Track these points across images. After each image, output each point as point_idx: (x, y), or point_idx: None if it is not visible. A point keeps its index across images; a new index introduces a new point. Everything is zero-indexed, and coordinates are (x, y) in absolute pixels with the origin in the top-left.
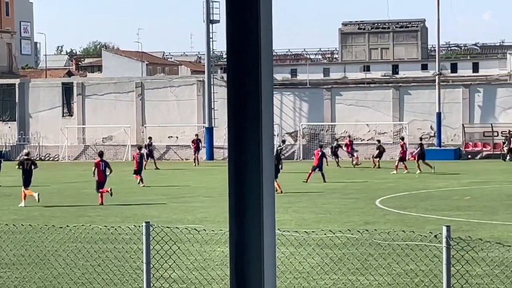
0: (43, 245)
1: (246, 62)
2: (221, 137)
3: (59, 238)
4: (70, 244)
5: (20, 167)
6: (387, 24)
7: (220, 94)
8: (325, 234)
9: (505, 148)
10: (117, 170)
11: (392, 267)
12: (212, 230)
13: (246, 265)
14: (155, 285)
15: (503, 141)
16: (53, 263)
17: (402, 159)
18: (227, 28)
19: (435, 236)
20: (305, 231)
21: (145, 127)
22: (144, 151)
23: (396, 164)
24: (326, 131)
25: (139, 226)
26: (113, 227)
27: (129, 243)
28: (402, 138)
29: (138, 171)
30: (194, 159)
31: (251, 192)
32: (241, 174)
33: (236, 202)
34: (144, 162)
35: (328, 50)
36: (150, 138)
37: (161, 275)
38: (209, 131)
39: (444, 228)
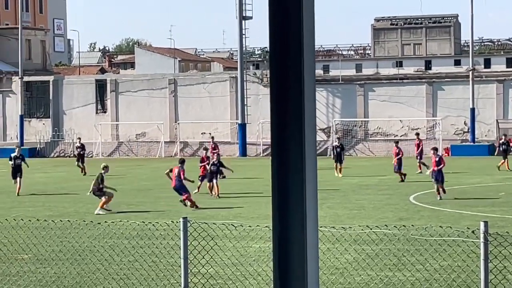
0: (81, 241)
1: (288, 58)
2: (253, 134)
3: (97, 234)
4: (108, 240)
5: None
6: (419, 19)
7: (253, 91)
8: (362, 230)
9: None
10: (150, 167)
11: (429, 262)
12: (249, 226)
13: (289, 260)
14: (192, 280)
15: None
16: (91, 258)
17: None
18: (269, 25)
19: (473, 231)
20: (342, 227)
21: (178, 123)
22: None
23: (418, 163)
24: (359, 127)
25: (177, 222)
26: (150, 222)
27: (166, 239)
28: (418, 134)
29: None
30: (81, 169)
31: (294, 188)
32: (284, 170)
33: (279, 198)
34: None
35: (361, 46)
36: (79, 138)
37: (199, 271)
38: (242, 127)
39: (482, 224)
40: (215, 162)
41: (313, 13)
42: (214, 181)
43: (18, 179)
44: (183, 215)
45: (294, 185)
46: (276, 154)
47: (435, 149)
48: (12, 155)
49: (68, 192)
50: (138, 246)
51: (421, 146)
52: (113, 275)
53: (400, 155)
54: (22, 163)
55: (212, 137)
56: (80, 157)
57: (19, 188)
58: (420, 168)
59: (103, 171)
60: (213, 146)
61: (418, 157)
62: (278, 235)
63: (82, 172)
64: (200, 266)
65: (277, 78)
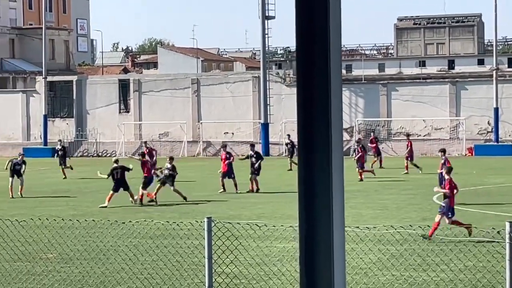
0: (105, 240)
1: (315, 56)
2: (276, 133)
3: (122, 233)
4: (132, 239)
5: (110, 177)
6: (443, 19)
7: (276, 90)
8: (386, 230)
9: None
10: None
11: (454, 263)
12: (273, 226)
13: (315, 260)
14: (216, 280)
15: None
16: (116, 258)
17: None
18: (296, 24)
19: (498, 232)
20: (366, 227)
21: (201, 123)
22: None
23: (406, 164)
24: (382, 126)
25: (201, 222)
26: (174, 222)
27: (190, 238)
28: (408, 135)
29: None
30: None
31: (321, 187)
32: (310, 169)
33: (305, 197)
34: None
35: (383, 46)
36: (59, 141)
37: (223, 270)
38: (265, 127)
39: (507, 224)
40: (168, 167)
41: (339, 12)
42: (167, 185)
43: (18, 178)
44: (207, 215)
45: (321, 185)
46: (302, 154)
47: (443, 151)
48: (14, 160)
49: (91, 191)
50: (162, 246)
51: (409, 147)
52: (137, 275)
53: (360, 154)
54: (22, 166)
55: (145, 142)
56: (62, 160)
57: (21, 189)
58: (407, 169)
59: (116, 164)
60: (147, 151)
61: (409, 158)
62: (304, 235)
63: (64, 175)
64: (224, 265)
65: (303, 77)
